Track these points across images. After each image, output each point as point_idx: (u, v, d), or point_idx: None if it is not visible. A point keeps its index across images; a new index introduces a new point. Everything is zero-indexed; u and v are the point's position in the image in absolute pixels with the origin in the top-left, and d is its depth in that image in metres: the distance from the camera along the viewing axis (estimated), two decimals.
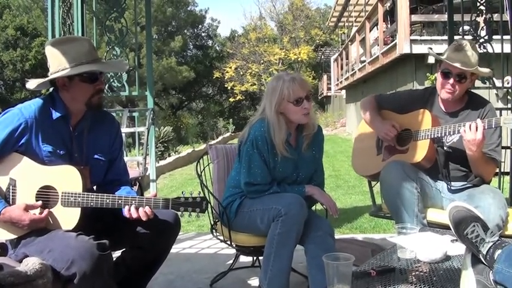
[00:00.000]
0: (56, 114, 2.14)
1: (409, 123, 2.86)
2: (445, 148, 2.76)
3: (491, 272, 1.48)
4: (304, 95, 2.54)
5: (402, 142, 2.87)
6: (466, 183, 2.72)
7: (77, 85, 2.14)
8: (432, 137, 2.70)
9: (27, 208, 2.03)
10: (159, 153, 13.57)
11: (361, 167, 3.12)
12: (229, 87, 28.35)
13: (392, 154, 2.89)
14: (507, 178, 3.59)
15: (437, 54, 2.83)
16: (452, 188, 2.74)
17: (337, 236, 2.63)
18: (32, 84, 2.16)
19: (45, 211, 2.05)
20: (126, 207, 2.11)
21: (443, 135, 2.68)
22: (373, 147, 3.03)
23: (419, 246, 1.98)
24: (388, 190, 2.67)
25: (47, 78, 2.14)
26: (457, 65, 2.65)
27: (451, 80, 2.69)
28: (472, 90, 2.92)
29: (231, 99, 29.58)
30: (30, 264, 1.85)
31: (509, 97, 4.32)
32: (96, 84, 2.18)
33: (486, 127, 2.50)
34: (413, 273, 1.81)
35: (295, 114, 2.56)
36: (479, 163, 2.62)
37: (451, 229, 1.77)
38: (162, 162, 12.21)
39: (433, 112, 2.81)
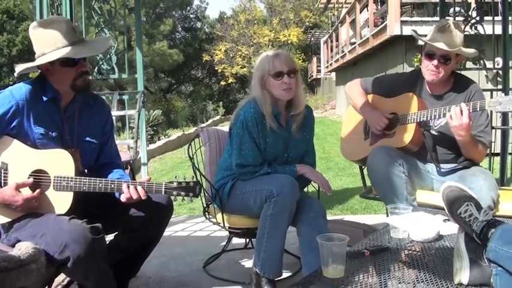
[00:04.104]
0: (46, 96, 2.12)
1: (396, 107, 2.84)
2: (432, 132, 2.75)
3: (484, 250, 1.49)
4: (285, 70, 2.53)
5: (389, 126, 2.86)
6: (456, 165, 2.73)
7: (58, 69, 2.12)
8: (418, 120, 2.69)
9: (19, 187, 2.01)
10: (149, 136, 13.54)
11: (349, 152, 3.13)
12: (219, 70, 28.19)
13: (379, 138, 2.89)
14: (497, 159, 3.61)
15: (422, 35, 2.79)
16: (442, 170, 2.75)
17: (328, 217, 2.65)
18: (19, 68, 2.14)
19: (38, 190, 2.03)
20: (125, 185, 2.09)
21: (429, 118, 2.67)
22: (361, 131, 3.03)
23: (412, 226, 1.99)
24: (376, 176, 2.68)
25: (31, 64, 2.12)
26: (440, 45, 2.62)
27: (435, 62, 2.66)
28: (461, 72, 2.91)
29: (223, 83, 29.39)
30: (23, 248, 1.84)
31: (499, 79, 4.33)
32: (78, 67, 2.15)
33: (471, 110, 2.48)
34: (407, 253, 1.83)
35: (276, 89, 2.55)
36: (470, 147, 2.61)
37: (442, 209, 1.78)
38: (152, 146, 12.17)
39: (419, 95, 2.79)
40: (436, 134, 2.76)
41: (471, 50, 2.79)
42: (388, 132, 2.86)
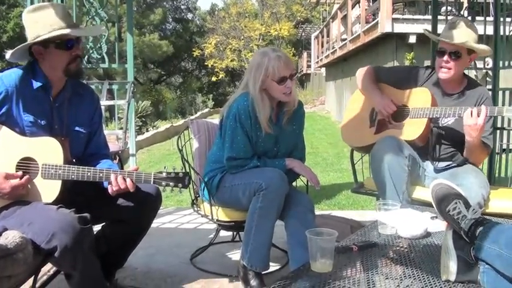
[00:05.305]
0: (36, 84, 2.10)
1: (408, 99, 2.83)
2: (438, 129, 2.77)
3: (472, 248, 1.51)
4: (288, 74, 2.51)
5: (398, 117, 2.85)
6: (451, 163, 2.75)
7: (52, 52, 2.10)
8: (430, 116, 2.69)
9: (8, 177, 1.99)
10: (137, 128, 13.47)
11: (351, 138, 3.10)
12: (209, 65, 28.04)
13: (385, 128, 2.88)
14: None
15: (430, 32, 2.81)
16: (437, 168, 2.77)
17: (316, 212, 2.65)
18: (10, 52, 2.11)
19: (26, 177, 2.01)
20: (113, 176, 2.07)
21: (441, 116, 2.68)
22: (366, 118, 2.99)
23: (400, 222, 2.00)
24: (380, 164, 2.65)
25: (21, 45, 2.09)
26: (447, 40, 2.65)
27: (446, 57, 2.68)
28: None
29: (214, 78, 29.18)
30: (10, 237, 1.82)
31: (488, 79, 4.36)
32: (73, 51, 2.14)
33: (489, 114, 2.51)
34: (394, 249, 1.84)
35: (277, 93, 2.54)
36: (475, 149, 2.63)
37: (432, 206, 1.80)
38: (140, 137, 12.12)
39: (430, 91, 2.79)
40: (440, 132, 2.77)
41: (483, 46, 2.78)
42: (395, 123, 2.86)
